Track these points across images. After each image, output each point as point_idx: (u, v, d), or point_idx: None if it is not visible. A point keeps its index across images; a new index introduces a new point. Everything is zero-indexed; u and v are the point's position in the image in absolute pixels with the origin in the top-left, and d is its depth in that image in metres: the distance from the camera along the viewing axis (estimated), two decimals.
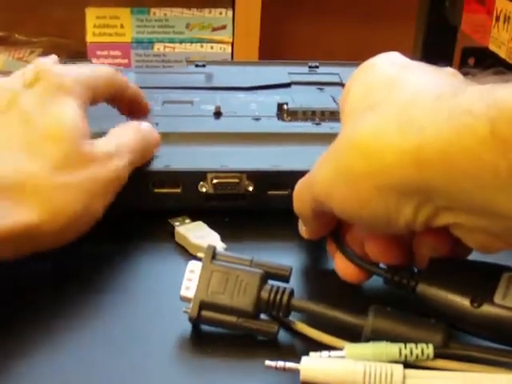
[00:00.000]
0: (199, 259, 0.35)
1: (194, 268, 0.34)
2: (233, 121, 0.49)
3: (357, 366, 0.31)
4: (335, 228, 0.38)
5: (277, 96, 0.53)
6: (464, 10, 0.98)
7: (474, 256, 0.35)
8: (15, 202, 0.35)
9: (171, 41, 1.27)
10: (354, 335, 0.33)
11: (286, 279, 0.35)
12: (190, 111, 0.51)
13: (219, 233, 0.41)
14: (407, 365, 0.31)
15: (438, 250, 0.34)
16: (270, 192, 0.44)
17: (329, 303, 0.34)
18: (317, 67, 0.60)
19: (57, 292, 0.37)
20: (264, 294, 0.34)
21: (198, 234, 0.41)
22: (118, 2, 1.27)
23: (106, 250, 0.41)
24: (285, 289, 0.34)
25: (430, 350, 0.31)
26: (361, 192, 0.31)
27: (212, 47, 1.27)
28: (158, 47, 1.27)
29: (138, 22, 1.26)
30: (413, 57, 0.36)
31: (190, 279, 0.34)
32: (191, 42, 1.27)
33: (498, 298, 0.32)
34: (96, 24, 1.25)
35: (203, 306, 0.34)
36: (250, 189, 0.43)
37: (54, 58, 0.42)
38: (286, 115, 0.50)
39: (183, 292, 0.34)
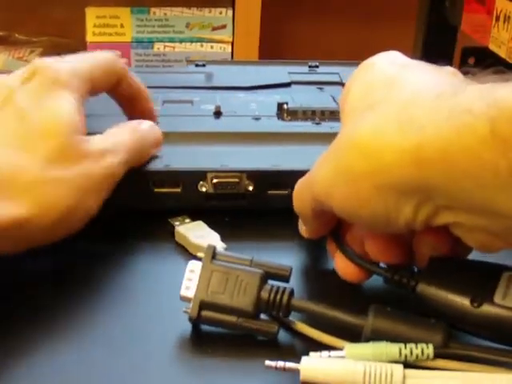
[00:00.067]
0: (199, 259, 0.35)
1: (193, 268, 0.34)
2: (233, 120, 0.49)
3: (357, 366, 0.31)
4: (335, 227, 0.38)
5: (277, 96, 0.53)
6: (464, 9, 0.98)
7: (473, 255, 0.35)
8: (6, 196, 0.35)
9: (171, 40, 1.27)
10: (354, 335, 0.33)
11: (285, 279, 0.35)
12: (189, 111, 0.51)
13: (219, 232, 0.41)
14: (407, 365, 0.31)
15: (437, 249, 0.34)
16: (270, 192, 0.44)
17: (329, 303, 0.34)
18: (317, 67, 0.60)
19: (56, 291, 0.37)
20: (264, 294, 0.34)
21: (197, 233, 0.41)
22: (117, 2, 1.27)
23: (106, 249, 0.41)
24: (285, 289, 0.34)
25: (429, 349, 0.31)
26: (361, 191, 0.31)
27: (212, 47, 1.27)
28: (158, 47, 1.27)
29: (138, 22, 1.26)
30: (413, 57, 0.36)
31: (190, 279, 0.34)
32: (191, 41, 1.27)
33: (497, 298, 0.32)
34: (96, 24, 1.25)
35: (203, 305, 0.34)
36: (250, 188, 0.43)
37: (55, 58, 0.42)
38: (286, 115, 0.50)
39: (183, 292, 0.34)
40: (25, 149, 0.36)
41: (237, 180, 0.43)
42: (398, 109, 0.31)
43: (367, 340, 0.32)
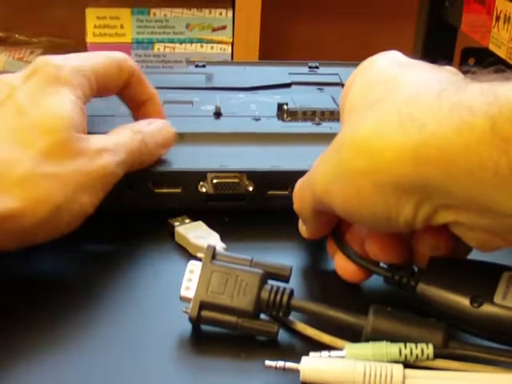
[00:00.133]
0: (199, 259, 0.35)
1: (193, 268, 0.34)
2: (233, 121, 0.49)
3: (357, 366, 0.31)
4: (335, 227, 0.38)
5: (277, 96, 0.53)
6: (464, 10, 0.98)
7: (473, 255, 0.35)
8: (0, 190, 0.35)
9: (171, 41, 1.27)
10: (354, 335, 0.33)
11: (286, 279, 0.35)
12: (190, 111, 0.51)
13: (219, 233, 0.41)
14: (407, 365, 0.31)
15: (437, 248, 0.34)
16: (270, 192, 0.44)
17: (329, 303, 0.34)
18: (317, 67, 0.60)
19: (55, 291, 0.37)
20: (264, 294, 0.34)
21: (197, 233, 0.41)
22: (118, 3, 1.27)
23: (106, 249, 0.41)
24: (285, 289, 0.34)
25: (429, 349, 0.31)
26: (361, 190, 0.31)
27: (212, 47, 1.27)
28: (158, 47, 1.27)
29: (138, 23, 1.26)
30: (413, 57, 0.36)
31: (190, 279, 0.34)
32: (191, 42, 1.27)
33: (497, 298, 0.32)
34: (96, 24, 1.25)
35: (203, 306, 0.34)
36: (250, 189, 0.43)
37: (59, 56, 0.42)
38: (286, 115, 0.50)
39: (183, 292, 0.34)
40: (21, 143, 0.36)
41: (237, 180, 0.43)
42: (398, 106, 0.30)
43: (367, 340, 0.32)
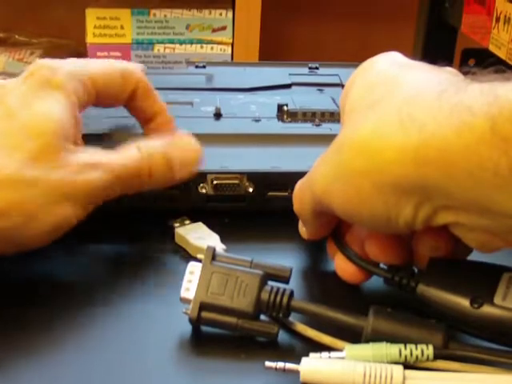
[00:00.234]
0: (199, 260, 0.35)
1: (193, 269, 0.34)
2: (233, 122, 0.49)
3: (357, 367, 0.31)
4: (335, 228, 0.38)
5: (277, 97, 0.53)
6: (464, 10, 0.98)
7: (473, 255, 0.35)
8: None
9: (171, 42, 1.27)
10: (354, 336, 0.33)
11: (285, 280, 0.35)
12: (190, 112, 0.51)
13: (219, 234, 0.41)
14: (407, 366, 0.31)
15: (437, 249, 0.34)
16: (270, 193, 0.44)
17: (329, 304, 0.34)
18: (317, 68, 0.60)
19: (55, 292, 0.37)
20: (264, 295, 0.34)
21: (197, 235, 0.41)
22: (118, 3, 1.27)
23: (106, 250, 0.41)
24: (285, 290, 0.34)
25: (429, 350, 0.31)
26: (361, 190, 0.31)
27: (212, 48, 1.27)
28: (158, 48, 1.27)
29: (138, 23, 1.26)
30: (413, 58, 0.36)
31: (190, 280, 0.34)
32: (191, 43, 1.27)
33: (497, 299, 0.32)
34: (96, 25, 1.25)
35: (203, 307, 0.34)
36: (250, 190, 0.43)
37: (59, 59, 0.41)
38: (286, 116, 0.50)
39: (183, 293, 0.34)
40: (9, 147, 0.36)
41: (237, 181, 0.43)
42: (399, 107, 0.30)
43: (367, 341, 0.32)
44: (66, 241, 0.38)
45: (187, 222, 0.42)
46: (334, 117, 0.50)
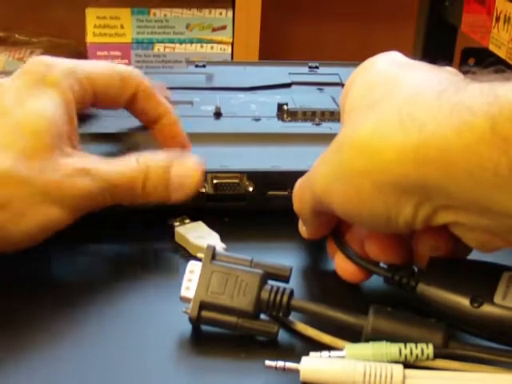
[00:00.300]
0: (199, 259, 0.35)
1: (193, 268, 0.34)
2: (233, 121, 0.49)
3: (357, 366, 0.31)
4: (335, 227, 0.38)
5: (277, 96, 0.53)
6: (464, 10, 0.98)
7: (474, 255, 0.35)
8: None
9: (171, 41, 1.27)
10: (354, 335, 0.33)
11: (286, 279, 0.35)
12: (190, 112, 0.51)
13: (219, 233, 0.41)
14: (407, 365, 0.31)
15: (437, 249, 0.34)
16: (270, 192, 0.44)
17: (329, 303, 0.34)
18: (317, 67, 0.60)
19: (55, 291, 0.37)
20: (264, 295, 0.34)
21: (197, 234, 0.41)
22: (118, 3, 1.27)
23: (106, 249, 0.41)
24: (285, 289, 0.34)
25: (429, 350, 0.31)
26: (361, 190, 0.31)
27: (212, 47, 1.27)
28: (158, 47, 1.27)
29: (138, 23, 1.26)
30: (413, 57, 0.36)
31: (190, 279, 0.34)
32: (191, 42, 1.27)
33: (497, 298, 0.32)
34: (96, 24, 1.25)
35: (203, 306, 0.34)
36: (250, 189, 0.43)
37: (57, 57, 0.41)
38: (286, 116, 0.50)
39: (183, 292, 0.34)
40: (2, 144, 0.36)
41: (237, 181, 0.43)
42: (399, 106, 0.30)
43: (367, 340, 0.32)
44: (66, 239, 0.38)
45: (187, 221, 0.42)
46: (333, 116, 0.50)
